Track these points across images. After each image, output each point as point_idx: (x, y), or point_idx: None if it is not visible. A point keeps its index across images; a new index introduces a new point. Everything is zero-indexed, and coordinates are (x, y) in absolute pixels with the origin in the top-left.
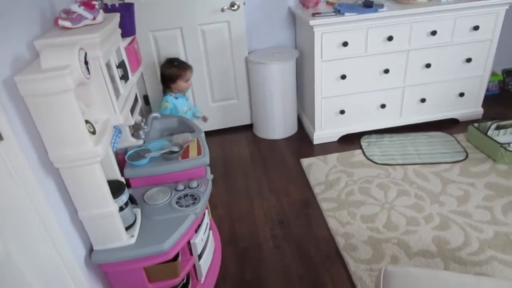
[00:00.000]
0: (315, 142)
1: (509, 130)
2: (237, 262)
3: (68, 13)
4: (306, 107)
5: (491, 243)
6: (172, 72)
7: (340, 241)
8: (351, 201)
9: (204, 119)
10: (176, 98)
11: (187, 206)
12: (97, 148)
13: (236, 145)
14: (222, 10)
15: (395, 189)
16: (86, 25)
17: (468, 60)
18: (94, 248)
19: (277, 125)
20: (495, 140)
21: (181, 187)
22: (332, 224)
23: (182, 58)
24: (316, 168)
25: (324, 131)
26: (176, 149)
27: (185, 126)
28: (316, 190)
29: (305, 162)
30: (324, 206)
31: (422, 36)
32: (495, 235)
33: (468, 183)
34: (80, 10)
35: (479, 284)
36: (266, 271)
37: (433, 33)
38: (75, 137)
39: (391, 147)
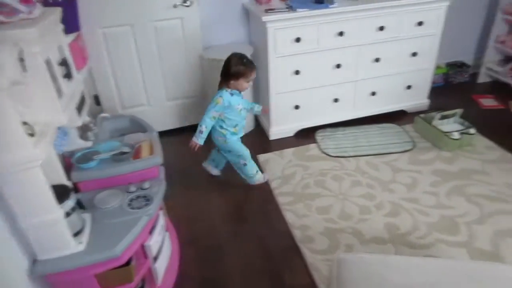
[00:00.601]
0: (271, 138)
1: (452, 119)
2: (197, 261)
3: (0, 6)
4: (262, 103)
5: (437, 226)
6: (239, 69)
7: (297, 234)
8: (307, 194)
9: (265, 111)
10: (232, 94)
11: (139, 208)
12: (36, 151)
13: None
14: (175, 6)
15: (348, 180)
16: (22, 19)
17: (414, 54)
18: (38, 258)
19: None
20: (439, 129)
21: (133, 188)
22: (289, 217)
23: (134, 56)
24: (273, 163)
25: (280, 126)
26: (126, 149)
27: (137, 126)
28: (273, 184)
29: (262, 158)
30: (281, 200)
31: (371, 32)
32: (440, 218)
33: (416, 170)
34: (14, 3)
35: (426, 265)
36: (227, 268)
37: (381, 28)
38: (11, 140)
39: (345, 140)
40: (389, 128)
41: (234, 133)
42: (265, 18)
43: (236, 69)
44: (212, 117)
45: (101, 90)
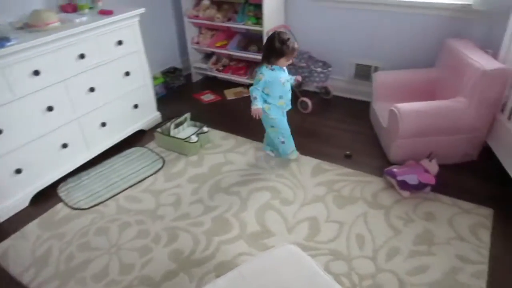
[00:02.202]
0: (1, 220)
1: (185, 124)
2: None
3: None
4: None
5: (213, 230)
6: (281, 49)
7: None
8: (75, 267)
9: (298, 80)
10: (273, 70)
11: None
12: None
13: None
14: None
15: (115, 227)
16: None
17: (128, 73)
18: None
19: None
20: (178, 138)
21: None
22: None
23: None
24: (16, 252)
25: (7, 201)
26: None
27: None
28: (26, 278)
29: None
30: None
31: (72, 62)
32: (213, 222)
33: (175, 185)
34: None
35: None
36: None
37: (82, 56)
38: None
39: (94, 184)
40: (133, 153)
41: (280, 107)
42: None
43: (279, 48)
44: (258, 89)
45: None
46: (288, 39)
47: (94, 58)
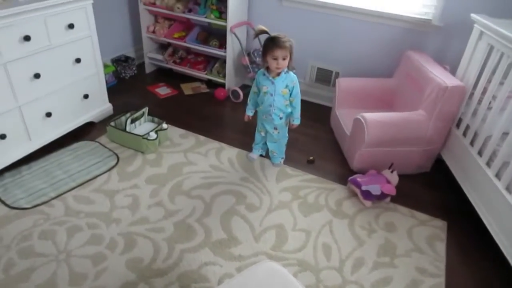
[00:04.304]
0: None
1: (142, 120)
2: None
3: None
4: None
5: (175, 237)
6: (264, 45)
7: None
8: (16, 276)
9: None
10: (263, 74)
11: None
12: None
13: None
14: None
15: (63, 231)
16: None
17: (78, 60)
18: None
19: None
20: (136, 135)
21: None
22: None
23: None
24: None
25: None
26: None
27: None
28: None
29: None
30: None
31: (14, 44)
32: (175, 227)
33: (131, 186)
34: None
35: None
36: None
37: (27, 38)
38: None
39: (36, 180)
40: (83, 147)
41: (260, 112)
42: None
43: (264, 45)
44: (253, 92)
45: None
46: (277, 36)
47: (41, 41)
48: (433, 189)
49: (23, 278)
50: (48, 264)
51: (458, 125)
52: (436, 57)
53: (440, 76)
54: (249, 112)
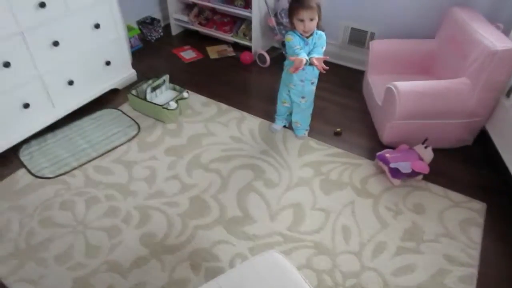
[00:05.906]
0: None
1: (163, 87)
2: None
3: None
4: None
5: (190, 213)
6: (289, 7)
7: None
8: (36, 245)
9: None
10: (295, 33)
11: None
12: None
13: None
14: None
15: (82, 202)
16: None
17: (97, 26)
18: None
19: None
20: (156, 104)
21: None
22: None
23: None
24: None
25: None
26: None
27: None
28: None
29: None
30: (3, 271)
31: (30, 10)
32: (190, 203)
33: (150, 157)
34: None
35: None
36: None
37: (42, 5)
38: None
39: (60, 149)
40: (105, 115)
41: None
42: None
43: (289, 6)
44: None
45: None
46: None
47: (57, 6)
48: (473, 166)
49: (43, 248)
50: (66, 235)
51: (508, 95)
52: (487, 15)
53: (489, 37)
54: (304, 55)
